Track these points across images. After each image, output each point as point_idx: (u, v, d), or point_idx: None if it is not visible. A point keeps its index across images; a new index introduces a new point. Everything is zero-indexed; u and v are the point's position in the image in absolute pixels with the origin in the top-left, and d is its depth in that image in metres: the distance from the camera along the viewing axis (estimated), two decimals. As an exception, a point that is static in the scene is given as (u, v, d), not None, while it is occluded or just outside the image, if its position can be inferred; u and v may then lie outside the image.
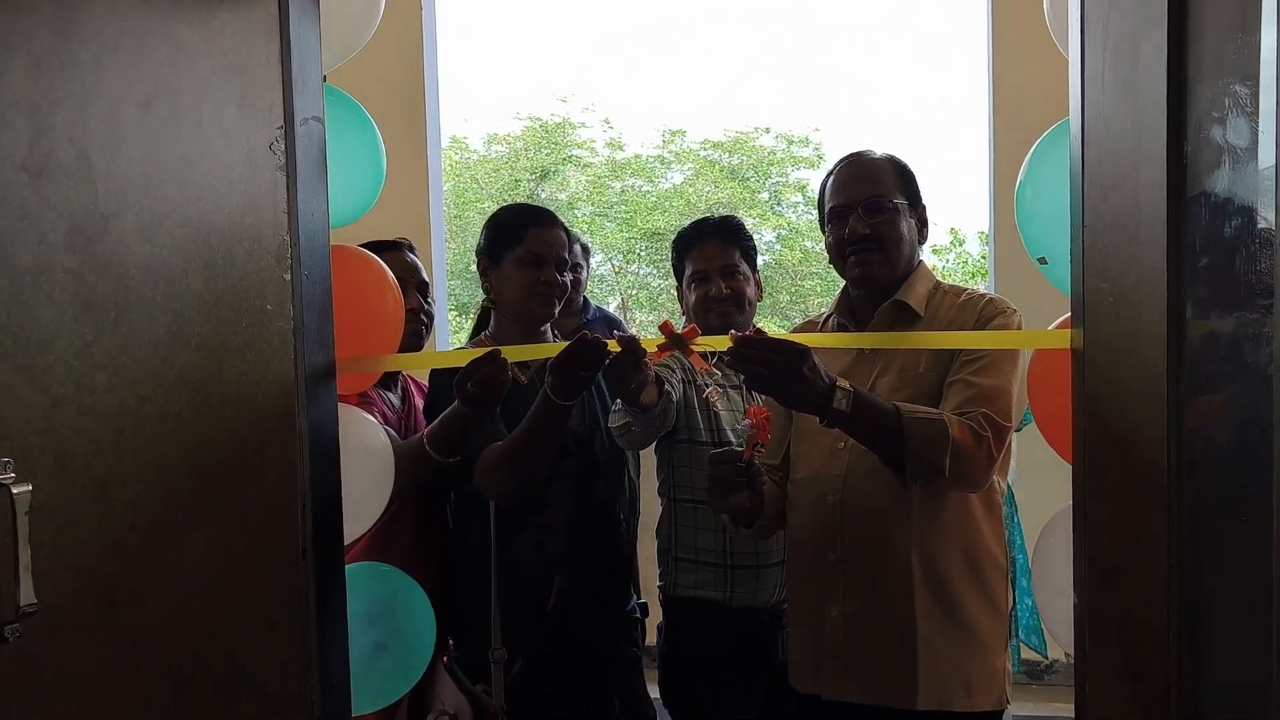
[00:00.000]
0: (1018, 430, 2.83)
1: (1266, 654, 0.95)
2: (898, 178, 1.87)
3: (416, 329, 2.10)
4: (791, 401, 1.63)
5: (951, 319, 1.81)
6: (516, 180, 15.66)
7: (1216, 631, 1.09)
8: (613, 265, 15.88)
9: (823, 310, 2.05)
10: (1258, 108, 0.94)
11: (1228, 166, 1.00)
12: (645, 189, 15.83)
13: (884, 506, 1.73)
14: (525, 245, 2.01)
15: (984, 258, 12.46)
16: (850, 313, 1.91)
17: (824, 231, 1.91)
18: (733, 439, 2.11)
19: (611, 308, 15.80)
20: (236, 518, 1.32)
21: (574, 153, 16.07)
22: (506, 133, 16.18)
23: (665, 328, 1.68)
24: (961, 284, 2.93)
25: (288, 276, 1.42)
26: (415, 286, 2.13)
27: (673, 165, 15.90)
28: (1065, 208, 1.34)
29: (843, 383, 1.60)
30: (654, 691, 2.21)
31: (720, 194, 15.22)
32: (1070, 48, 1.28)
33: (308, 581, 1.47)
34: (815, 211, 2.00)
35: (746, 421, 1.63)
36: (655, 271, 15.35)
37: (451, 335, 6.68)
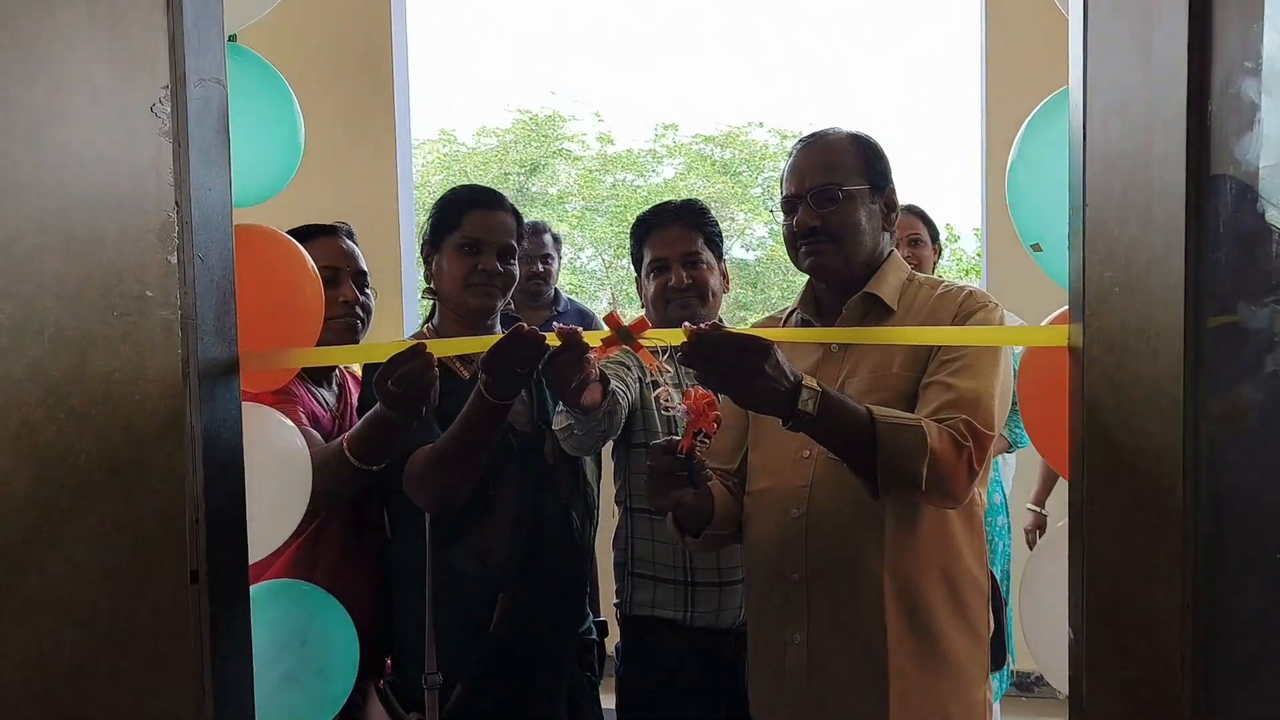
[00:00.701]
0: (1018, 448, 2.65)
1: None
2: (858, 159, 1.70)
3: (351, 323, 1.91)
4: (752, 402, 1.46)
5: (928, 314, 1.65)
6: (506, 174, 15.48)
7: (1239, 683, 0.92)
8: (603, 260, 15.71)
9: (787, 305, 1.87)
10: (1301, 53, 0.76)
11: (1262, 128, 0.83)
12: (636, 183, 15.66)
13: (853, 522, 1.56)
14: (463, 230, 1.84)
15: (980, 255, 12.26)
16: (815, 307, 1.75)
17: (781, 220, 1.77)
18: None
19: (601, 304, 15.65)
20: (106, 537, 1.15)
21: (564, 146, 15.90)
22: (496, 125, 15.99)
23: (611, 320, 1.50)
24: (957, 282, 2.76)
25: (174, 259, 1.24)
26: (351, 276, 1.94)
27: (664, 159, 15.74)
28: (1063, 186, 1.16)
29: (809, 381, 1.42)
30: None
31: (712, 188, 15.06)
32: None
33: (200, 607, 1.29)
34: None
35: (682, 406, 1.45)
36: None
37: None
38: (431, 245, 1.89)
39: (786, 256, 1.81)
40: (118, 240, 1.15)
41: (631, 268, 2.21)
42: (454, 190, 1.94)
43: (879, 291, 1.67)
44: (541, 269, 3.88)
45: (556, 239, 4.01)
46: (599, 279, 15.69)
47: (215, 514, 1.31)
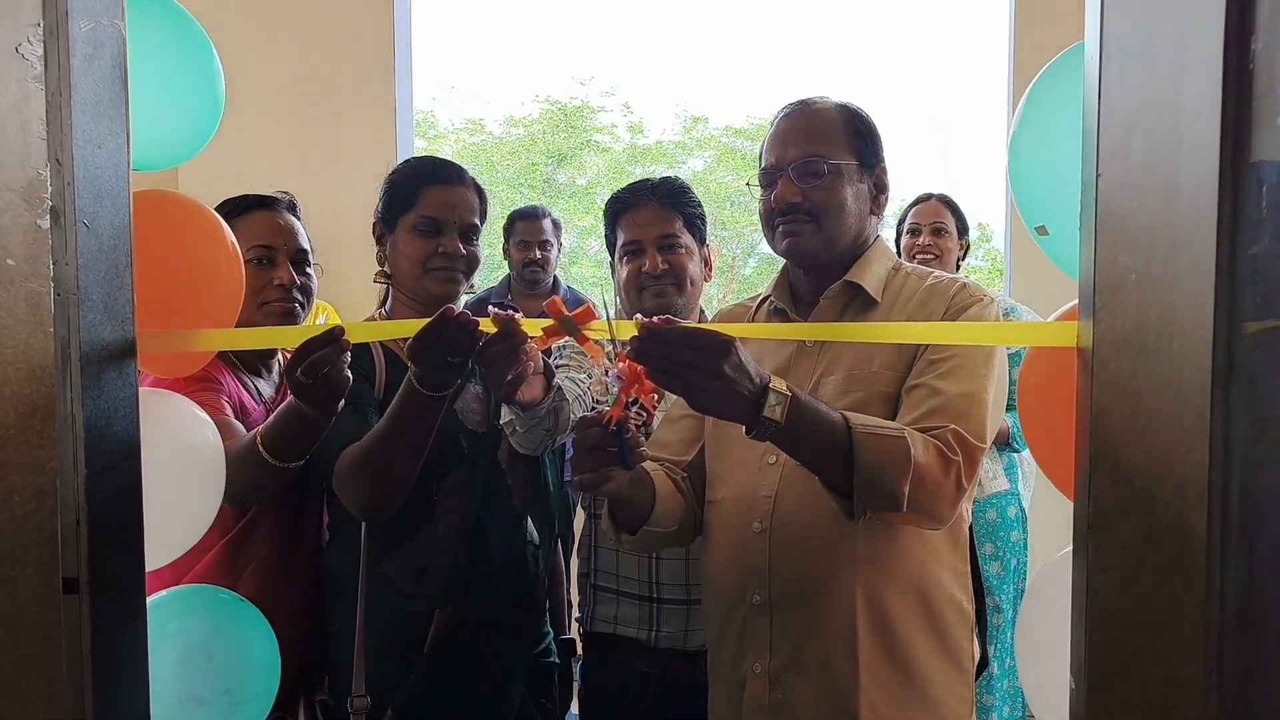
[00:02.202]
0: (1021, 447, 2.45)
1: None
2: (847, 132, 1.53)
3: (288, 307, 1.73)
4: (710, 407, 1.27)
5: (916, 307, 1.48)
6: (534, 164, 15.36)
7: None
8: (629, 253, 15.55)
9: (757, 293, 1.70)
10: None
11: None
12: (666, 175, 15.49)
13: (823, 537, 1.39)
14: (419, 209, 1.66)
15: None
16: (790, 295, 1.57)
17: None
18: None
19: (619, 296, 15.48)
20: (-53, 541, 0.99)
21: (594, 137, 15.75)
22: (525, 115, 15.86)
23: (552, 308, 1.32)
24: (986, 283, 2.60)
25: (45, 223, 1.08)
26: (289, 255, 1.76)
27: (694, 151, 15.55)
28: (1074, 157, 0.97)
29: (778, 383, 1.24)
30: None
31: (741, 181, 14.87)
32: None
33: (80, 621, 1.14)
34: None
35: (613, 372, 1.26)
36: (673, 260, 15.00)
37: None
38: (384, 224, 1.72)
39: None
40: (-33, 199, 0.99)
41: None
42: (407, 163, 1.78)
43: (861, 280, 1.50)
44: (540, 255, 3.73)
45: (556, 224, 3.86)
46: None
47: (101, 515, 1.15)
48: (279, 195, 1.80)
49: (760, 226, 1.62)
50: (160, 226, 1.30)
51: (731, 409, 1.24)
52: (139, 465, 1.22)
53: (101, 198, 1.15)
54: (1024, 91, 1.38)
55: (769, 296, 1.62)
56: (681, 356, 1.19)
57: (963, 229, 3.25)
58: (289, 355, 1.84)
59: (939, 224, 3.16)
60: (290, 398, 1.41)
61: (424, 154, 1.68)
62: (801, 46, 21.34)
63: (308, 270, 1.79)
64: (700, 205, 2.01)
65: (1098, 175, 0.89)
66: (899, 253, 3.07)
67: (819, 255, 1.51)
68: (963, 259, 3.26)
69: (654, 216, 1.92)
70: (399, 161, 3.84)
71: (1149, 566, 0.83)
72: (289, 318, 1.73)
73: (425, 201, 1.67)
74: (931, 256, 3.09)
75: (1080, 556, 0.93)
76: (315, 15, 3.88)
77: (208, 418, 1.38)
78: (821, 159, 1.48)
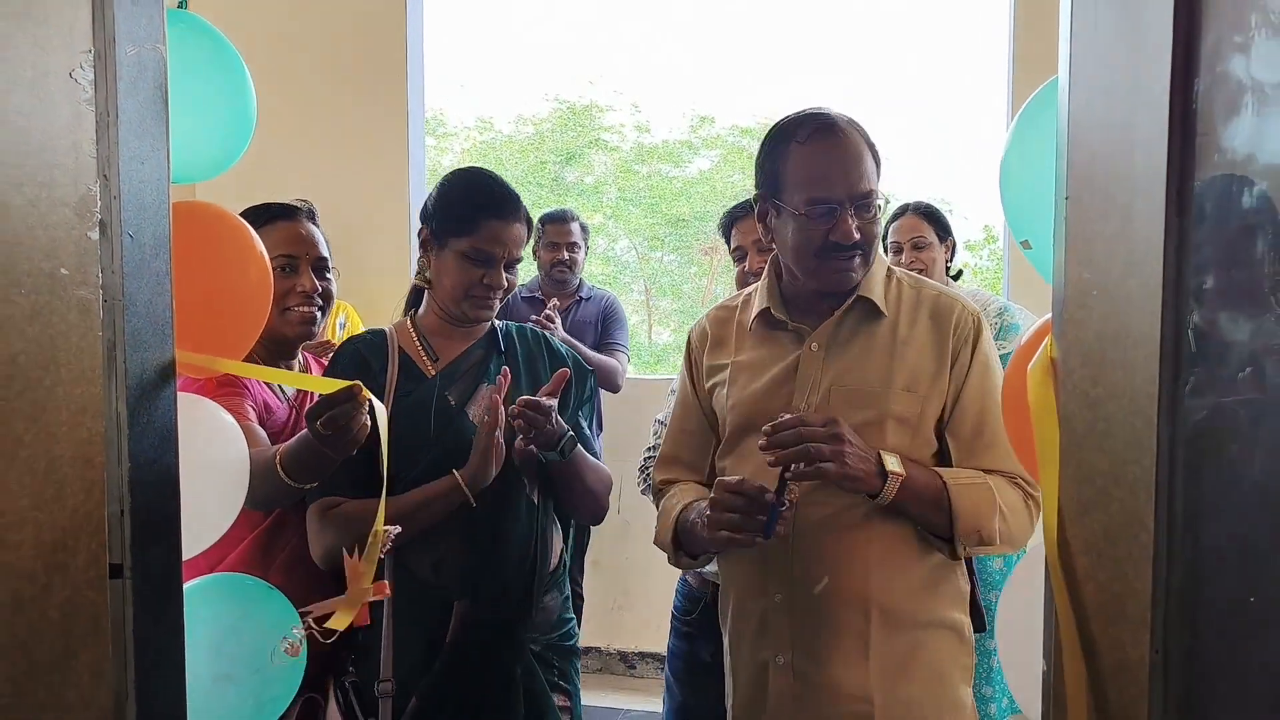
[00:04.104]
0: None
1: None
2: (874, 158, 1.59)
3: (310, 313, 1.82)
4: (853, 472, 1.41)
5: (924, 328, 1.59)
6: (542, 162, 15.44)
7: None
8: (637, 251, 15.61)
9: (736, 294, 1.78)
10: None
11: (1251, 112, 0.72)
12: (672, 174, 15.53)
13: (843, 542, 1.51)
14: (475, 238, 1.73)
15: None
16: (783, 304, 1.64)
17: (778, 210, 1.59)
18: None
19: (635, 294, 15.55)
20: (5, 530, 1.07)
21: (601, 136, 15.82)
22: (534, 114, 15.95)
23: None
24: (990, 284, 2.71)
25: (95, 234, 1.16)
26: (310, 263, 1.85)
27: (700, 151, 15.61)
28: (1052, 178, 1.05)
29: (892, 462, 1.42)
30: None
31: (748, 181, 14.90)
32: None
33: (124, 605, 1.22)
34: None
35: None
36: (679, 258, 15.05)
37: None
38: (435, 237, 1.80)
39: None
40: (25, 214, 1.08)
41: (664, 258, 2.36)
42: (470, 182, 1.82)
43: (871, 294, 1.60)
44: (568, 257, 3.84)
45: (584, 228, 3.96)
46: (633, 270, 15.60)
47: (142, 507, 1.24)
48: (299, 204, 1.89)
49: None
50: (195, 236, 1.39)
51: (868, 469, 1.40)
52: (176, 461, 1.31)
53: (144, 210, 1.24)
54: (1024, 92, 1.48)
55: (749, 299, 1.69)
56: (811, 436, 1.34)
57: (944, 233, 3.23)
58: (308, 353, 1.93)
59: (918, 238, 3.15)
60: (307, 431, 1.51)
61: (471, 165, 1.76)
62: (807, 47, 21.36)
63: (327, 275, 1.87)
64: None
65: (1066, 199, 0.97)
66: None
67: (854, 284, 1.59)
68: (950, 260, 3.26)
69: (752, 225, 2.27)
70: (410, 161, 3.93)
71: (1106, 558, 0.91)
72: (310, 323, 1.82)
73: (481, 233, 1.73)
74: (917, 270, 3.08)
75: (1050, 548, 1.01)
76: (328, 15, 3.95)
77: (233, 421, 1.46)
78: (874, 194, 1.55)
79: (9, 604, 1.07)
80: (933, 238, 3.16)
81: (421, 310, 1.85)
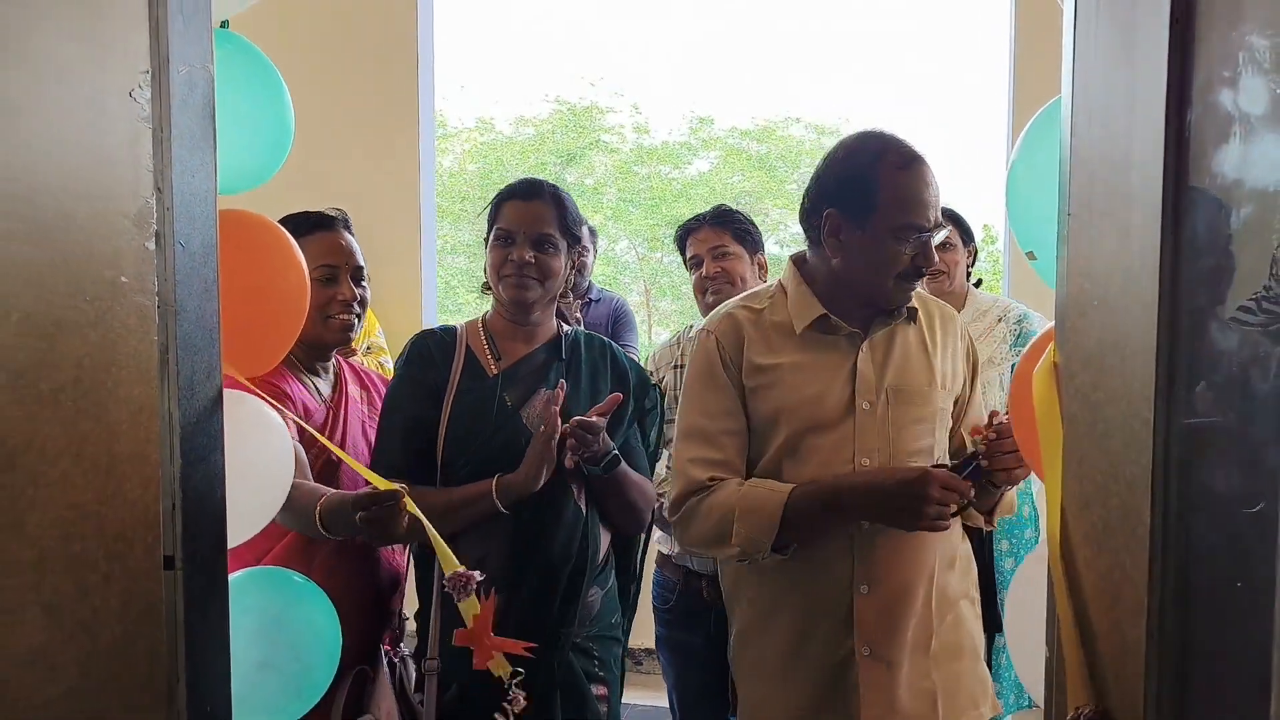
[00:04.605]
0: None
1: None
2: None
3: (349, 320, 1.90)
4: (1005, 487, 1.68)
5: (940, 330, 1.76)
6: (543, 163, 15.50)
7: (1200, 698, 0.88)
8: (637, 252, 15.69)
9: (749, 294, 1.80)
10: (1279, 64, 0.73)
11: (1239, 140, 0.79)
12: (672, 175, 15.61)
13: (916, 535, 1.64)
14: (499, 222, 1.85)
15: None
16: (841, 312, 1.72)
17: (860, 228, 1.64)
18: None
19: (635, 295, 15.61)
20: (71, 524, 1.14)
21: (601, 138, 15.89)
22: (534, 115, 16.02)
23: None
24: (989, 284, 2.80)
25: (151, 245, 1.23)
26: (349, 272, 1.93)
27: (699, 152, 15.68)
28: (1056, 194, 1.13)
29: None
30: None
31: (747, 183, 15.00)
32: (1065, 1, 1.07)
33: (175, 594, 1.29)
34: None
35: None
36: (679, 260, 15.10)
37: (469, 316, 6.46)
38: (485, 242, 1.92)
39: None
40: (88, 226, 1.15)
41: (664, 259, 2.44)
42: (505, 187, 1.95)
43: (914, 302, 1.74)
44: (576, 260, 3.89)
45: (592, 231, 4.01)
46: (633, 271, 15.68)
47: (192, 501, 1.31)
48: (335, 213, 1.96)
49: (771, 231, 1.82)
50: (238, 243, 1.45)
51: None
52: (223, 457, 1.38)
53: (194, 221, 1.31)
54: (1025, 88, 1.56)
55: (823, 312, 1.71)
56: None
57: (968, 237, 3.21)
58: (340, 356, 2.00)
59: (948, 240, 3.09)
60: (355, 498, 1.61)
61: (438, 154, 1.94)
62: (807, 50, 21.43)
63: (363, 283, 1.95)
64: (748, 222, 2.54)
65: (1068, 215, 1.04)
66: None
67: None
68: (971, 265, 3.23)
69: (708, 234, 2.54)
70: (421, 162, 4.00)
71: (1106, 549, 0.98)
72: (349, 329, 1.90)
73: (503, 215, 1.85)
74: (942, 272, 3.05)
75: (1053, 541, 1.08)
76: (338, 19, 4.00)
77: (278, 417, 1.53)
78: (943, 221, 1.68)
79: (75, 592, 1.14)
80: (956, 240, 3.14)
81: (490, 311, 1.94)
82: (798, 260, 1.75)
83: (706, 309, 2.58)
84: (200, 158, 1.32)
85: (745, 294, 1.80)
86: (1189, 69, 0.85)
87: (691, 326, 2.80)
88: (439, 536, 1.54)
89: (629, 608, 2.05)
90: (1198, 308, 0.85)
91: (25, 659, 1.08)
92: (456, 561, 1.55)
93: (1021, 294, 3.66)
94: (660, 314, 15.64)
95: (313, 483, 1.72)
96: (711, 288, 2.54)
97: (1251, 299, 0.79)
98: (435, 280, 4.15)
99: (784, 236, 15.55)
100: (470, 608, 1.53)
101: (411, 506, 1.54)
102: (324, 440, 1.67)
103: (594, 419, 1.66)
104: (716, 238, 2.58)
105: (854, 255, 1.64)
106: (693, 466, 1.66)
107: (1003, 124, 3.98)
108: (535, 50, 21.16)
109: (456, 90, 18.58)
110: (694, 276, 2.62)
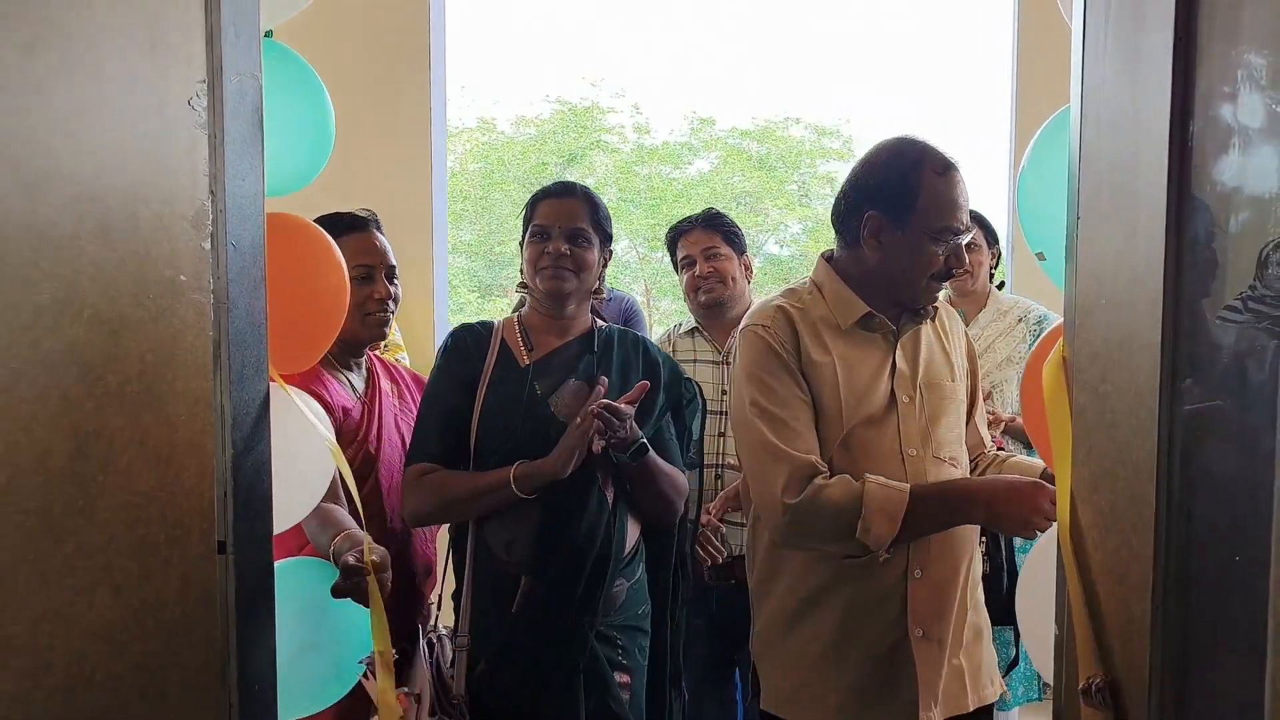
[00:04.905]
0: None
1: (1257, 708, 0.82)
2: None
3: (384, 317, 1.99)
4: None
5: (948, 324, 1.85)
6: (544, 163, 15.55)
7: (1202, 682, 0.95)
8: (637, 252, 15.76)
9: (786, 291, 1.84)
10: (1275, 81, 0.80)
11: (1237, 151, 0.86)
12: (672, 175, 15.67)
13: None
14: (534, 220, 1.95)
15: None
16: (877, 310, 1.79)
17: (899, 229, 1.72)
18: None
19: (635, 294, 15.69)
20: (135, 509, 1.20)
21: (602, 138, 15.94)
22: (535, 115, 16.07)
23: None
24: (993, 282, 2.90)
25: (207, 245, 1.30)
26: (383, 272, 2.01)
27: (700, 153, 15.74)
28: (1065, 198, 1.20)
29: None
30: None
31: (747, 183, 15.06)
32: (1073, 11, 1.14)
33: (226, 577, 1.36)
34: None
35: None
36: (678, 260, 15.18)
37: (470, 315, 6.52)
38: (521, 243, 2.01)
39: (819, 253, 1.85)
40: (151, 227, 1.21)
41: (665, 259, 2.51)
42: (540, 188, 2.05)
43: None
44: None
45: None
46: (633, 271, 15.74)
47: (242, 489, 1.38)
48: (365, 214, 2.03)
49: (764, 229, 1.90)
50: (282, 243, 1.52)
51: None
52: (269, 448, 1.44)
53: (244, 222, 1.37)
54: (1028, 90, 1.63)
55: (868, 310, 1.76)
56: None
57: (992, 239, 3.23)
58: (372, 353, 2.08)
59: (972, 240, 3.06)
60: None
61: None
62: (807, 51, 21.50)
63: (395, 281, 2.02)
64: (735, 225, 2.62)
65: (1078, 219, 1.11)
66: None
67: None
68: (994, 267, 3.25)
69: (699, 236, 2.63)
70: (434, 162, 4.06)
71: (1114, 530, 1.05)
72: (384, 325, 2.01)
73: (539, 213, 1.95)
74: (966, 272, 3.05)
75: (1064, 524, 1.15)
76: (355, 22, 4.05)
77: (321, 410, 1.60)
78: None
79: (139, 574, 1.21)
80: (981, 241, 3.17)
81: (526, 308, 2.01)
82: (829, 258, 1.81)
83: (698, 308, 2.71)
84: (250, 162, 1.38)
85: (782, 291, 1.85)
86: (1191, 84, 0.92)
87: (679, 325, 2.85)
88: (381, 613, 1.62)
89: (673, 603, 2.08)
90: (1198, 306, 0.92)
91: (98, 635, 1.15)
92: (388, 638, 1.60)
93: (1024, 289, 3.73)
94: (660, 313, 15.70)
95: (335, 511, 1.79)
96: (704, 287, 2.64)
97: (1238, 299, 0.86)
98: (446, 279, 4.22)
99: (784, 236, 15.64)
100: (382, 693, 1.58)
101: (373, 584, 1.64)
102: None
103: (621, 405, 1.73)
104: (708, 239, 2.66)
105: (893, 255, 1.71)
106: (792, 455, 1.66)
107: (1004, 126, 4.04)
108: (536, 50, 21.24)
109: (457, 90, 18.61)
110: (685, 277, 2.71)
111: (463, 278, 14.61)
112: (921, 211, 1.68)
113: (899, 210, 1.69)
